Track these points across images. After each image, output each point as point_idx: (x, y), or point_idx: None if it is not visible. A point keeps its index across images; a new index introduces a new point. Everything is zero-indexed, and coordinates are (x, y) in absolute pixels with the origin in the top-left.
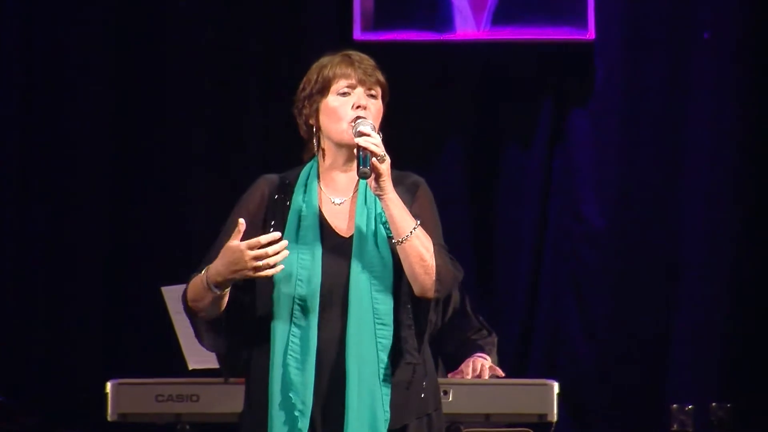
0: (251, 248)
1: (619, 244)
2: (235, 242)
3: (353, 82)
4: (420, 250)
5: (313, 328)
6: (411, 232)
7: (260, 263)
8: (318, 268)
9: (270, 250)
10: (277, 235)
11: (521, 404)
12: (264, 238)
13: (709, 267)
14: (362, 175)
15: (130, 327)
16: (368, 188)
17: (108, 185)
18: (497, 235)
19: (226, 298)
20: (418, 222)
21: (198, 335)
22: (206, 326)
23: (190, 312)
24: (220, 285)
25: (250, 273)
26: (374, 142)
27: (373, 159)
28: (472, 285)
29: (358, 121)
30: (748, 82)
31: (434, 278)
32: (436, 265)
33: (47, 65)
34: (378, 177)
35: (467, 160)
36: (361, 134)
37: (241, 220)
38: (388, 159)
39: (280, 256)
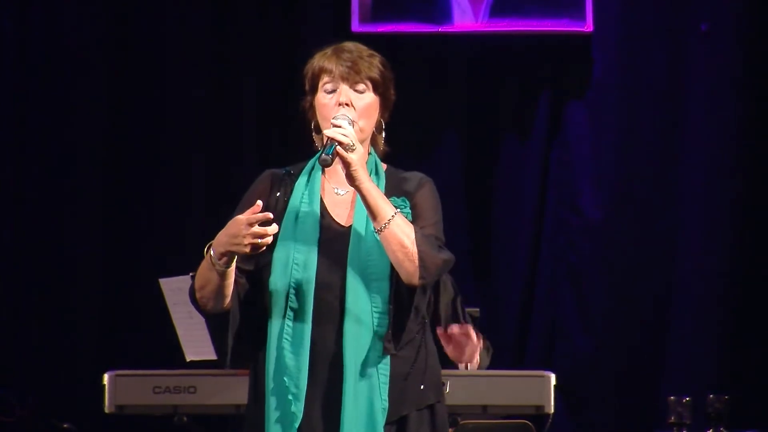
0: (251, 223)
1: (616, 236)
2: (240, 216)
3: (335, 79)
4: (400, 237)
5: (308, 313)
6: (389, 220)
7: (254, 240)
8: (314, 255)
9: (268, 229)
10: (269, 215)
11: (518, 396)
12: (261, 215)
13: (706, 259)
14: (322, 163)
15: (128, 318)
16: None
17: (106, 178)
18: (495, 228)
19: (231, 285)
20: (398, 210)
21: (212, 338)
22: (215, 325)
23: (198, 305)
24: (222, 258)
25: (245, 249)
26: (342, 132)
27: (338, 147)
28: (470, 277)
29: (337, 114)
30: (745, 74)
31: (417, 264)
32: (419, 251)
33: (45, 63)
34: (347, 166)
35: (465, 152)
36: (333, 126)
37: (259, 202)
38: (359, 148)
39: (269, 236)
